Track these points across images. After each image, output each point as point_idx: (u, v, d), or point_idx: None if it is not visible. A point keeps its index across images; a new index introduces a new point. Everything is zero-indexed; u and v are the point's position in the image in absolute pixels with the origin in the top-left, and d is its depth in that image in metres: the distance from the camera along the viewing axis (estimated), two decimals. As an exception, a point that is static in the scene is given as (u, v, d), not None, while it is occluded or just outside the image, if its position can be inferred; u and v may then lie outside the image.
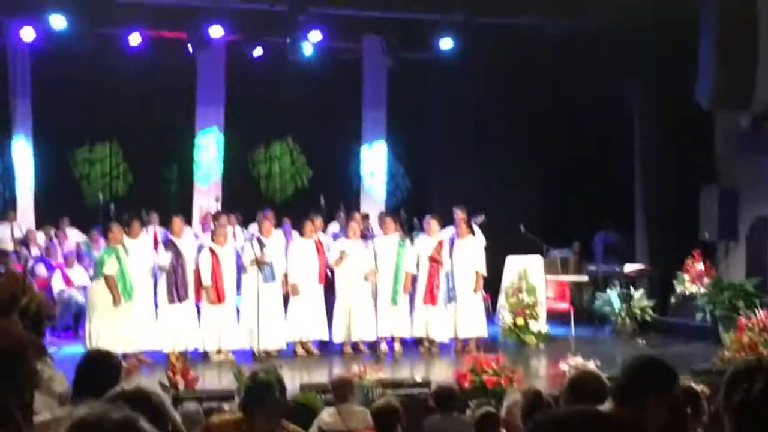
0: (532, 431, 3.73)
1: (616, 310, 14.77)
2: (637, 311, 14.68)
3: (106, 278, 12.02)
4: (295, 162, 19.63)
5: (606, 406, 3.62)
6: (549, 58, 15.84)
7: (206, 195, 18.13)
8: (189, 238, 13.82)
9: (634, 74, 15.75)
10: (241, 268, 12.92)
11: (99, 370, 4.28)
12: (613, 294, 15.02)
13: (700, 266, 14.57)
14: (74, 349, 11.33)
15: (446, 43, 17.02)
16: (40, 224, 16.85)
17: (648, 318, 14.74)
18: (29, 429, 1.68)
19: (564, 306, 15.39)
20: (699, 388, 6.73)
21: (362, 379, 9.85)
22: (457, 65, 17.22)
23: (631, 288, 14.97)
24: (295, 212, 15.74)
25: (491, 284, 14.34)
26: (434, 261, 13.27)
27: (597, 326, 15.43)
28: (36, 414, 1.79)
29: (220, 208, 16.46)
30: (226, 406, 8.46)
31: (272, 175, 19.56)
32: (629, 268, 15.28)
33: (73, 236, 16.39)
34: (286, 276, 13.02)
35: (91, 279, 12.62)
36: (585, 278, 16.39)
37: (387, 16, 16.50)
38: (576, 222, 17.09)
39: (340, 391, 7.75)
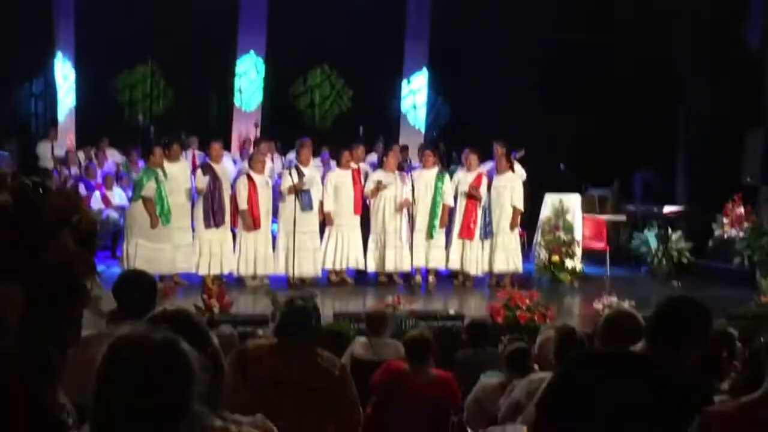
0: (563, 369, 3.72)
1: (653, 251, 14.68)
2: (674, 253, 14.57)
3: (144, 200, 12.08)
4: (336, 90, 19.57)
5: (639, 346, 3.61)
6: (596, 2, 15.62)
7: (245, 120, 18.17)
8: (227, 164, 13.85)
9: (682, 11, 15.46)
10: (278, 195, 12.94)
11: (135, 290, 4.33)
12: (650, 234, 14.92)
13: (740, 210, 14.39)
14: (112, 269, 11.45)
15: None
16: (80, 144, 16.97)
17: (685, 260, 14.64)
18: (76, 344, 1.70)
19: (600, 245, 15.30)
20: (734, 331, 6.70)
21: (396, 310, 9.89)
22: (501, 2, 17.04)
23: (669, 229, 14.84)
24: (334, 141, 15.71)
25: (528, 221, 14.28)
26: (472, 196, 13.21)
27: (633, 266, 15.38)
28: (83, 331, 1.80)
29: (259, 134, 16.48)
30: (260, 331, 8.53)
31: (312, 102, 19.53)
32: (668, 209, 15.15)
33: (113, 157, 16.50)
34: (322, 204, 13.03)
35: (130, 200, 12.69)
36: (623, 218, 16.27)
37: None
38: (616, 161, 16.95)
39: (375, 323, 7.76)
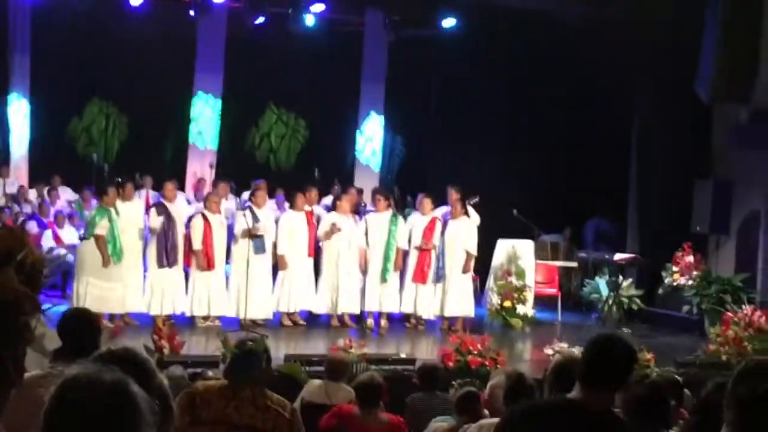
0: (506, 419, 3.77)
1: (604, 298, 14.79)
2: (625, 300, 14.68)
3: (97, 238, 12.00)
4: (291, 133, 19.59)
5: (574, 392, 3.62)
6: (550, 44, 15.78)
7: (200, 161, 18.10)
8: (181, 203, 13.80)
9: (636, 64, 15.71)
10: (232, 237, 12.91)
11: (78, 328, 4.28)
12: (601, 281, 15.03)
13: (689, 258, 14.59)
14: (61, 308, 11.31)
15: (449, 22, 17.02)
16: (32, 182, 16.81)
17: (635, 307, 14.74)
18: (20, 384, 1.68)
19: (552, 291, 15.44)
20: (679, 379, 6.76)
21: (347, 353, 9.87)
22: (458, 45, 17.23)
23: (620, 276, 14.97)
24: (289, 183, 15.70)
25: (481, 266, 14.36)
26: (424, 241, 13.26)
27: (584, 313, 15.50)
28: (27, 370, 1.79)
29: (213, 174, 16.44)
30: (210, 373, 8.47)
31: (267, 144, 19.53)
32: (619, 256, 15.29)
33: (66, 195, 16.37)
34: (275, 246, 13.01)
35: (81, 238, 12.59)
36: (575, 264, 16.43)
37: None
38: (568, 208, 17.11)
39: (335, 370, 7.72)
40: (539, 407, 3.76)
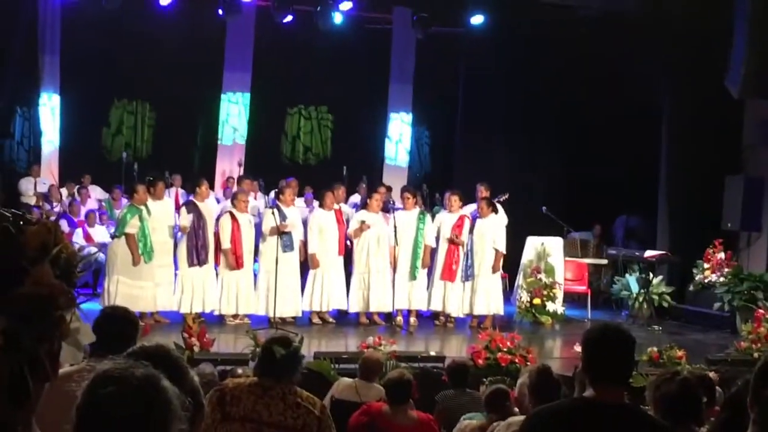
0: (527, 423, 3.76)
1: (634, 295, 14.72)
2: (655, 297, 14.62)
3: (128, 237, 12.05)
4: (320, 130, 19.63)
5: (588, 391, 3.61)
6: (579, 39, 15.70)
7: (229, 159, 18.18)
8: (211, 202, 13.85)
9: (665, 60, 15.62)
10: (260, 235, 12.95)
11: (116, 326, 4.31)
12: (631, 278, 14.98)
13: (720, 255, 14.51)
14: (92, 306, 11.38)
15: (477, 19, 17.00)
16: (63, 181, 16.94)
17: (665, 304, 14.68)
18: (55, 378, 1.70)
19: (582, 288, 15.39)
20: (714, 376, 6.71)
21: (376, 350, 9.87)
22: (486, 41, 17.19)
23: (651, 273, 14.90)
24: (317, 181, 15.73)
25: (510, 263, 14.33)
26: (452, 242, 13.25)
27: (614, 310, 15.47)
28: (62, 364, 1.80)
29: (242, 172, 16.50)
30: (239, 370, 8.49)
31: (296, 142, 19.58)
32: (649, 253, 15.20)
33: (95, 194, 16.48)
34: (304, 244, 13.04)
35: (112, 237, 12.65)
36: (604, 261, 16.38)
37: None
38: (598, 205, 17.04)
39: (369, 370, 7.71)
40: (558, 408, 3.75)
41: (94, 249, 14.61)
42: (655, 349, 10.53)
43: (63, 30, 17.18)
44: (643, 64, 15.62)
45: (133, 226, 12.06)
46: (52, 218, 12.51)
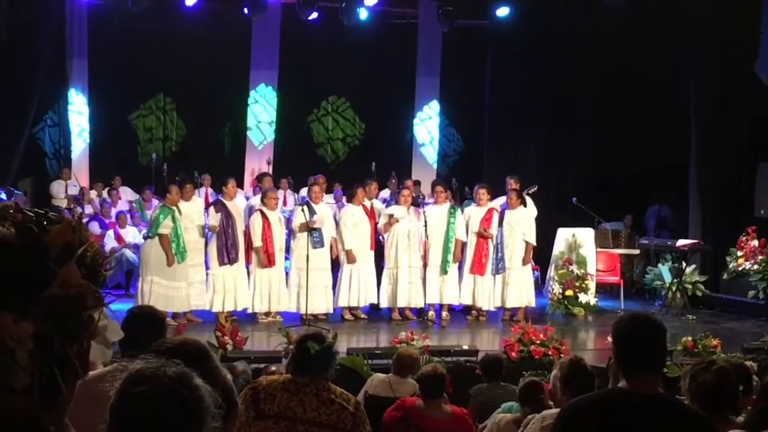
0: (562, 414, 3.74)
1: (667, 285, 14.63)
2: (689, 286, 14.52)
3: (161, 237, 12.10)
4: (348, 126, 19.64)
5: (622, 382, 3.58)
6: (606, 29, 15.61)
7: (258, 157, 18.24)
8: (239, 200, 13.89)
9: (694, 47, 15.50)
10: (290, 233, 12.97)
11: (145, 326, 4.32)
12: (664, 268, 14.88)
13: (754, 243, 14.38)
14: (125, 307, 11.43)
15: (503, 11, 16.94)
16: (93, 183, 17.05)
17: (699, 293, 14.59)
18: (85, 377, 1.70)
19: (614, 279, 15.32)
20: (751, 364, 6.66)
21: (410, 346, 9.86)
22: (512, 33, 17.13)
23: (683, 263, 14.79)
24: (347, 177, 15.75)
25: (541, 255, 14.29)
26: (481, 234, 13.21)
27: (647, 300, 15.38)
28: (92, 362, 1.81)
29: (271, 170, 16.53)
30: (273, 367, 8.51)
31: (324, 139, 19.60)
32: (682, 242, 15.10)
33: (126, 195, 16.58)
34: (335, 241, 13.05)
35: (145, 237, 12.71)
36: (636, 251, 16.28)
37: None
38: (629, 195, 16.95)
39: (403, 365, 7.70)
40: (591, 400, 3.72)
41: (125, 250, 14.70)
42: (690, 338, 10.46)
43: (90, 33, 17.31)
44: (671, 52, 15.50)
45: (166, 227, 12.11)
46: (84, 221, 12.60)
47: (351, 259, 12.99)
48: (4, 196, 13.18)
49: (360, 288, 13.09)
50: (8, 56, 14.09)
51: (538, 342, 10.15)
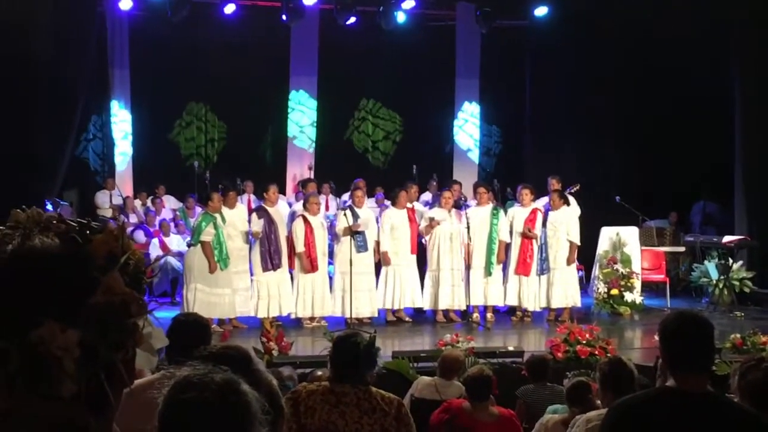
0: (611, 413, 3.71)
1: (714, 282, 14.48)
2: (736, 283, 14.37)
3: (203, 244, 12.16)
4: (388, 130, 19.66)
5: (670, 381, 3.55)
6: (646, 26, 15.50)
7: (300, 162, 18.31)
8: (282, 206, 13.94)
9: (736, 42, 15.34)
10: (334, 237, 13.01)
11: (189, 333, 4.34)
12: (710, 265, 14.73)
13: (802, 238, 14.22)
14: (171, 315, 11.50)
15: (541, 11, 16.89)
16: (136, 192, 17.20)
17: (747, 290, 14.43)
18: (132, 384, 1.72)
19: (660, 277, 15.18)
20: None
21: (454, 348, 9.84)
22: (551, 33, 17.06)
23: (730, 259, 14.63)
24: (387, 180, 15.76)
25: (585, 255, 14.21)
26: (526, 235, 13.17)
27: (694, 298, 15.22)
28: (137, 369, 1.82)
29: (313, 176, 16.58)
30: (319, 372, 8.52)
31: (365, 142, 19.63)
32: (728, 238, 14.94)
33: (169, 203, 16.71)
34: (378, 244, 13.07)
35: (188, 245, 12.79)
36: (682, 249, 16.12)
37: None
38: (673, 193, 16.80)
39: (448, 368, 7.69)
40: (639, 399, 3.69)
41: (170, 258, 14.80)
42: (738, 335, 10.35)
43: (131, 44, 17.48)
44: (715, 48, 15.36)
45: (208, 234, 12.18)
46: (129, 230, 12.71)
47: (386, 261, 13.00)
48: (50, 208, 13.30)
49: (398, 290, 13.09)
50: (52, 70, 14.25)
51: (584, 342, 10.09)
